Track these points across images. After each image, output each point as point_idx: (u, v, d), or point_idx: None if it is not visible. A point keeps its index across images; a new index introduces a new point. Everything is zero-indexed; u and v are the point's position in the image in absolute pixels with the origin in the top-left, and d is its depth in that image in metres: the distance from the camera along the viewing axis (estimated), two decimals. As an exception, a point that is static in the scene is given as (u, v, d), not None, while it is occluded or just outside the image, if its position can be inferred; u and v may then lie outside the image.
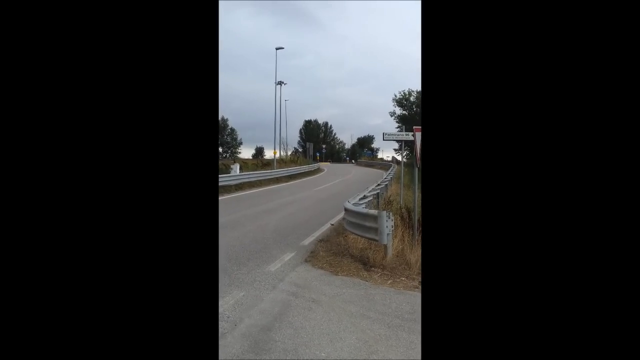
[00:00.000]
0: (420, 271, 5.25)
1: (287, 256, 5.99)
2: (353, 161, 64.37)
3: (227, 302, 4.07)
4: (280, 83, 33.22)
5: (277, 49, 30.53)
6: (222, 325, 3.53)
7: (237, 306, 4.00)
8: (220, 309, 3.88)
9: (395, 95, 57.04)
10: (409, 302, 4.26)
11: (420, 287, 4.77)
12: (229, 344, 3.19)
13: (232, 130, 67.92)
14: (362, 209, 6.42)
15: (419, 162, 6.84)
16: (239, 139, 67.94)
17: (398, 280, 4.98)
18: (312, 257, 6.00)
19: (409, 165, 16.81)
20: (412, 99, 56.53)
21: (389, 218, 5.41)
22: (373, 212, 5.74)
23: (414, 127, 6.72)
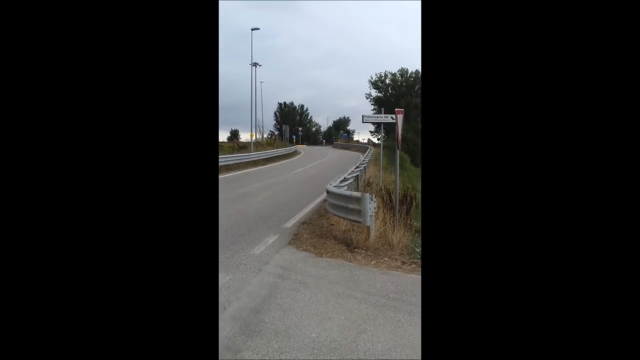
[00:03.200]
0: (402, 251, 5.37)
1: (271, 239, 6.00)
2: (330, 144, 64.37)
3: (214, 286, 4.07)
4: (255, 64, 32.72)
5: (252, 29, 29.99)
6: (211, 309, 3.53)
7: (225, 289, 4.00)
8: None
9: (372, 78, 57.31)
10: (393, 281, 4.35)
11: (403, 267, 4.88)
12: (219, 327, 3.21)
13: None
14: (345, 191, 6.46)
15: (400, 144, 6.91)
16: (213, 121, 66.78)
17: (381, 260, 5.07)
18: (296, 239, 6.03)
19: (385, 147, 16.94)
20: (387, 81, 56.80)
21: (372, 200, 5.48)
22: (356, 194, 5.80)
23: (396, 109, 6.76)
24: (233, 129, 66.87)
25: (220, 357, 2.59)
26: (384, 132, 16.16)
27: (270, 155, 26.34)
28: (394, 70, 56.99)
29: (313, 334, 3.12)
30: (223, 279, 4.29)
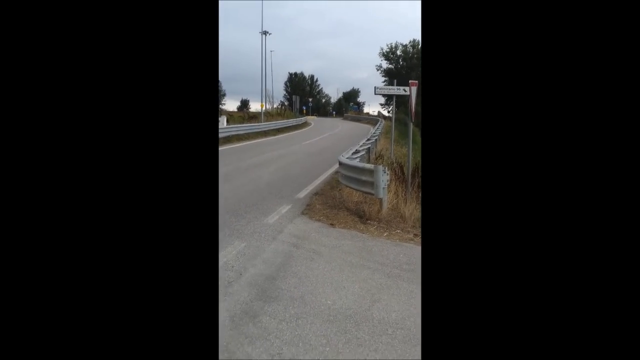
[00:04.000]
0: (414, 224, 5.40)
1: (284, 209, 6.06)
2: (341, 116, 63.87)
3: (230, 253, 4.16)
4: (265, 33, 32.22)
5: (263, -4, 29.42)
6: (228, 274, 3.62)
7: (240, 256, 4.08)
8: (224, 259, 3.97)
9: (382, 49, 56.20)
10: (405, 253, 4.40)
11: (415, 239, 4.92)
12: (235, 292, 3.29)
13: (216, 81, 66.32)
14: (358, 163, 6.46)
15: (413, 117, 6.85)
16: (222, 91, 66.30)
17: (394, 232, 5.11)
18: (309, 209, 6.08)
19: (396, 120, 16.80)
20: (398, 52, 55.71)
21: (385, 172, 5.48)
22: (369, 166, 5.80)
23: (410, 81, 6.67)
24: (243, 98, 66.64)
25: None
26: (395, 105, 15.99)
27: (281, 126, 26.28)
28: (405, 41, 55.79)
29: (328, 301, 3.19)
30: (238, 246, 4.37)
